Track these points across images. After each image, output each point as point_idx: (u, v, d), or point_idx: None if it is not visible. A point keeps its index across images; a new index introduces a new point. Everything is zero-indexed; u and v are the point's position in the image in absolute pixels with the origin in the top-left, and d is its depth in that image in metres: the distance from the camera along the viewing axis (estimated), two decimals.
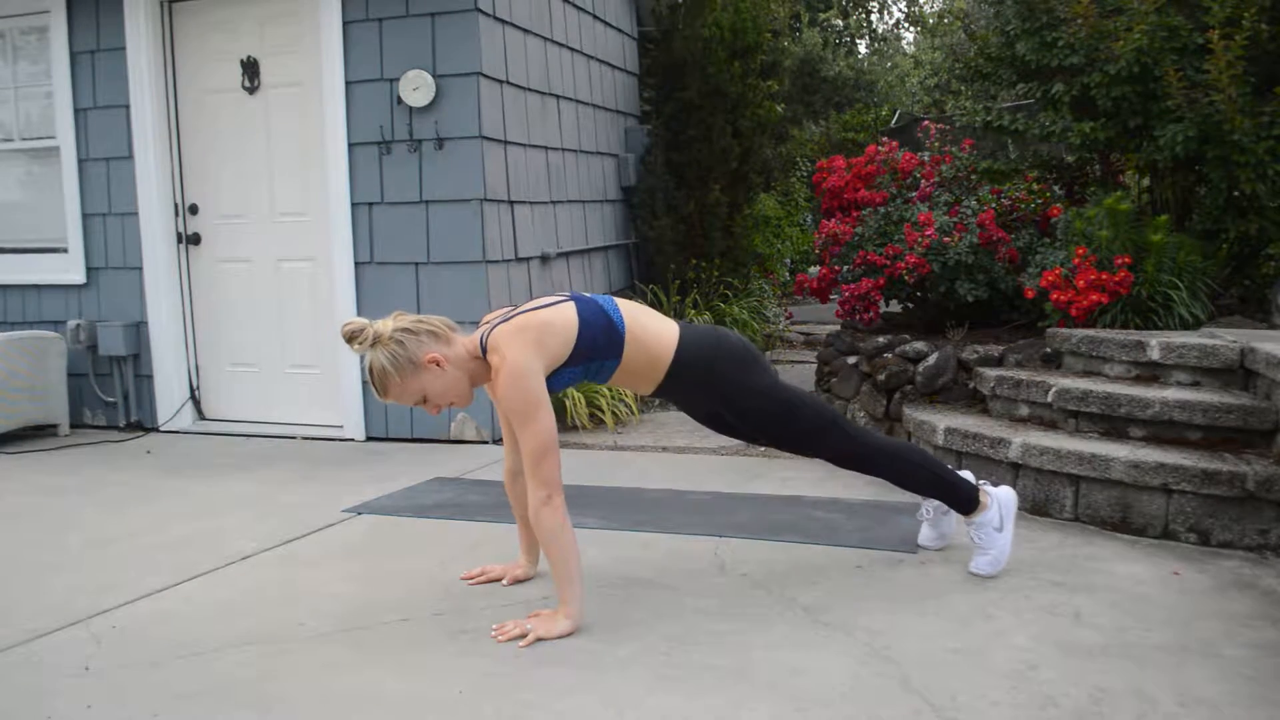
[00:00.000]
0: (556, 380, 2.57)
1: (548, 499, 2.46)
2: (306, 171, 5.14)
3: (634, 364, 2.63)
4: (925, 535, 3.10)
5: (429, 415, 4.91)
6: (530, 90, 5.36)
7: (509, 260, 5.05)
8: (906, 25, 19.39)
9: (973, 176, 5.07)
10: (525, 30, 5.30)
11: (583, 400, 5.09)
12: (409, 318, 2.56)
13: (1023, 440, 3.48)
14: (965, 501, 2.88)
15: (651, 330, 2.64)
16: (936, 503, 3.01)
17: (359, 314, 4.95)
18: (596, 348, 2.57)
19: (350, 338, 2.50)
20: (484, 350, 2.56)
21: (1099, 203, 4.14)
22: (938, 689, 2.18)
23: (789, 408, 2.74)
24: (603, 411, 5.16)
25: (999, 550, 2.86)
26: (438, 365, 2.53)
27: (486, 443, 4.87)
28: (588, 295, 2.64)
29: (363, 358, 2.57)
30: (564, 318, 2.54)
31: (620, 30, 6.92)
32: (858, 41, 19.06)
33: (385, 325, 2.52)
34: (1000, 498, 2.90)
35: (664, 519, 3.49)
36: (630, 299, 6.56)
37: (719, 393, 2.73)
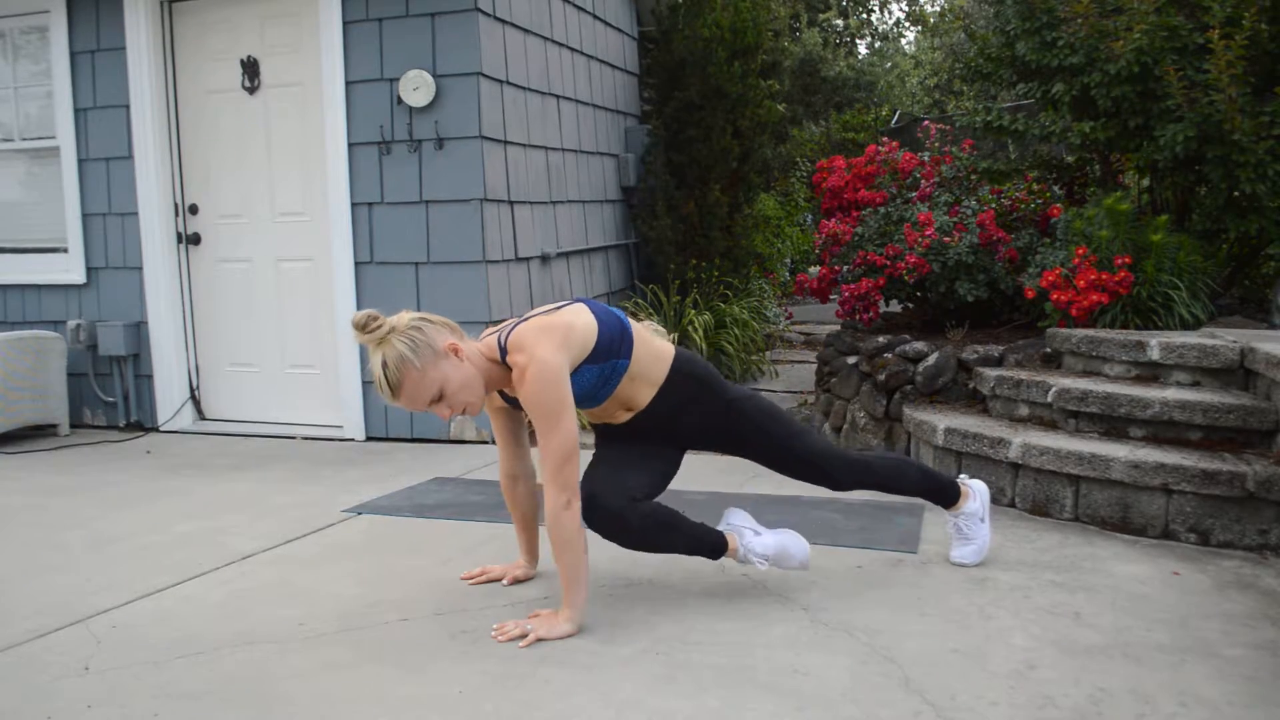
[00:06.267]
0: (575, 382, 2.50)
1: (568, 504, 2.43)
2: (306, 171, 5.14)
3: (641, 363, 2.59)
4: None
5: (432, 416, 4.93)
6: (530, 90, 5.36)
7: (509, 260, 5.05)
8: (907, 25, 19.40)
9: (973, 176, 5.07)
10: (525, 30, 5.30)
11: None
12: (419, 313, 2.49)
13: (1022, 440, 3.48)
14: (950, 496, 2.92)
15: (651, 341, 2.66)
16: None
17: None
18: (614, 343, 2.53)
19: (363, 326, 2.35)
20: (503, 353, 2.49)
21: (1099, 203, 4.14)
22: (938, 689, 2.18)
23: (775, 410, 2.77)
24: None
25: (982, 540, 2.94)
26: (456, 354, 2.43)
27: (486, 443, 4.87)
28: (589, 299, 2.64)
29: (377, 355, 2.39)
30: (583, 319, 2.51)
31: (620, 30, 6.92)
32: (858, 42, 19.07)
33: (401, 317, 2.41)
34: (976, 488, 2.96)
35: None
36: (631, 299, 6.57)
37: (714, 396, 2.72)
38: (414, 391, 2.38)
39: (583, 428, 5.13)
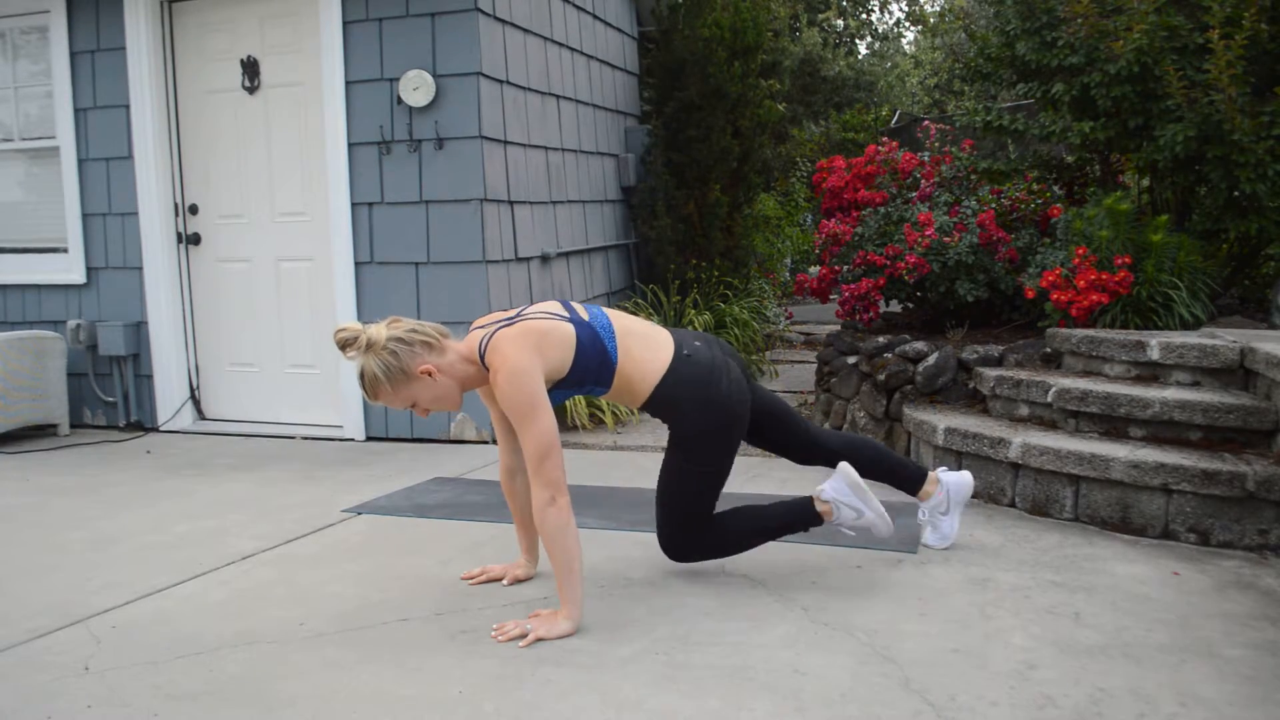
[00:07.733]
0: (549, 398, 2.59)
1: (552, 499, 2.46)
2: (306, 171, 5.14)
3: (618, 392, 2.71)
4: (929, 537, 3.14)
5: (433, 415, 4.93)
6: (530, 90, 5.36)
7: (509, 260, 5.05)
8: (907, 25, 19.40)
9: (973, 176, 5.07)
10: (525, 30, 5.30)
11: (582, 400, 5.09)
12: (404, 325, 2.55)
13: (1022, 440, 3.48)
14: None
15: (641, 364, 2.67)
16: (933, 504, 3.08)
17: (359, 314, 4.96)
18: (588, 374, 2.63)
19: (344, 345, 2.52)
20: (482, 355, 2.56)
21: (1099, 203, 4.14)
22: (938, 689, 2.18)
23: (696, 493, 2.77)
24: (603, 411, 5.16)
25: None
26: (430, 376, 2.54)
27: (486, 443, 4.87)
28: (586, 319, 2.64)
29: (358, 365, 2.58)
30: (563, 334, 2.57)
31: (620, 30, 6.92)
32: (858, 42, 19.07)
33: (379, 333, 2.51)
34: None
35: None
36: (631, 299, 6.56)
37: (671, 434, 2.78)
38: (389, 401, 2.57)
39: (581, 427, 5.13)
